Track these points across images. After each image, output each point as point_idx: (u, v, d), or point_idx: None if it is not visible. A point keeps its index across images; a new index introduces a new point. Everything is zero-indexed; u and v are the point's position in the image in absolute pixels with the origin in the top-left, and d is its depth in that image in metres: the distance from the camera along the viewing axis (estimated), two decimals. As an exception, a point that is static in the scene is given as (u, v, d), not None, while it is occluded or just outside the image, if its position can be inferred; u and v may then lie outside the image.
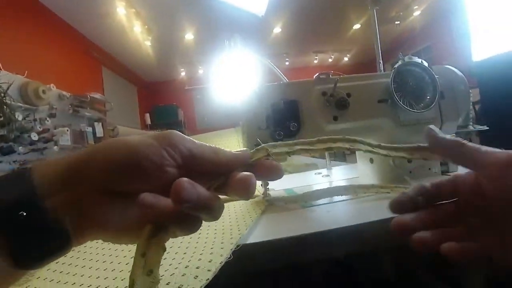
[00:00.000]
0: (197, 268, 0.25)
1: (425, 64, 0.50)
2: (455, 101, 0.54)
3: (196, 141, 0.18)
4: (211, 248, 0.28)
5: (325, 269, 0.59)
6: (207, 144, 0.19)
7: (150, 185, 0.16)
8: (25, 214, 0.14)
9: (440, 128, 0.53)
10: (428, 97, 0.49)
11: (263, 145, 0.23)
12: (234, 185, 0.18)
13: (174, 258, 0.28)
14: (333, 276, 0.60)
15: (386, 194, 0.41)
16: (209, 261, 0.25)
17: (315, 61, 4.93)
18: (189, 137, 0.18)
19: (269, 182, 0.50)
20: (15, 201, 0.14)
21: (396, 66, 0.50)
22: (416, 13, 3.68)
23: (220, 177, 0.19)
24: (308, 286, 0.57)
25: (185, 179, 0.15)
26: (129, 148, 0.16)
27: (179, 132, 0.18)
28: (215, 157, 0.18)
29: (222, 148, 0.19)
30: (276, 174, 0.20)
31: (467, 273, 0.42)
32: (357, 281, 0.62)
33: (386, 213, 0.33)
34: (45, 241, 0.14)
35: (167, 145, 0.17)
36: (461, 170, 0.56)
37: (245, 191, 0.17)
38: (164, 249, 0.17)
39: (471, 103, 0.58)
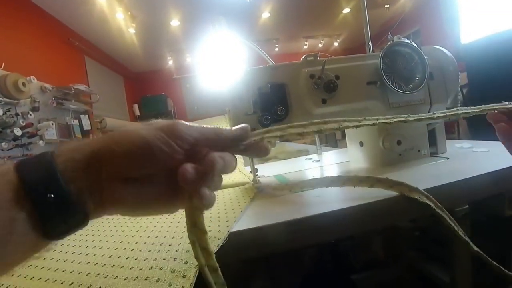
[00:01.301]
0: (187, 252, 0.24)
1: (414, 45, 0.49)
2: (444, 82, 0.53)
3: (198, 126, 0.20)
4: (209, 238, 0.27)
5: (315, 253, 0.60)
6: (209, 127, 0.21)
7: (161, 170, 0.19)
8: (53, 196, 0.16)
9: (429, 110, 0.53)
10: (417, 78, 0.48)
11: (257, 131, 0.24)
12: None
13: (162, 244, 0.27)
14: (323, 260, 0.61)
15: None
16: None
17: (305, 47, 4.86)
18: (192, 124, 0.20)
19: (258, 169, 0.50)
20: (44, 186, 0.16)
21: (385, 46, 0.48)
22: (406, -5, 3.65)
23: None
24: (300, 270, 0.57)
25: (188, 165, 0.18)
26: (143, 140, 0.18)
27: (183, 122, 0.20)
28: (217, 139, 0.21)
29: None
30: (265, 154, 0.23)
31: (455, 251, 0.43)
32: (347, 263, 0.63)
33: (374, 196, 0.33)
34: (69, 217, 0.17)
35: (175, 138, 0.19)
36: (450, 152, 0.57)
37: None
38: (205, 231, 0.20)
39: (459, 85, 0.58)
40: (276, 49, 4.71)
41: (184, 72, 4.87)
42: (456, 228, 0.31)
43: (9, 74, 2.01)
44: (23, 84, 2.07)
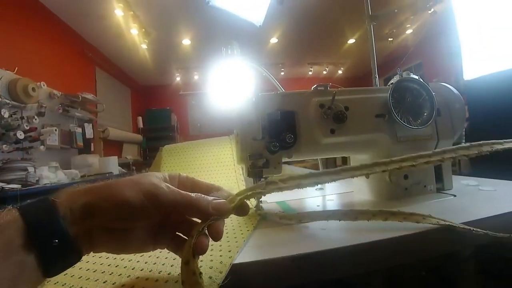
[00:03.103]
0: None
1: (422, 81, 0.50)
2: (450, 119, 0.54)
3: (179, 193, 0.23)
4: (210, 268, 0.26)
5: None
6: (190, 194, 0.23)
7: (141, 225, 0.23)
8: (57, 241, 0.18)
9: (436, 146, 0.53)
10: (425, 114, 0.49)
11: (233, 197, 0.26)
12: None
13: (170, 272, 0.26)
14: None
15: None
16: (210, 278, 0.24)
17: (310, 73, 5.00)
18: (172, 189, 0.23)
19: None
20: (50, 232, 0.18)
21: (394, 81, 0.49)
22: (409, 31, 3.80)
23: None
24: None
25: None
26: (127, 202, 0.21)
27: (164, 187, 0.23)
28: (193, 210, 0.24)
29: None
30: (244, 214, 0.27)
31: None
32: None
33: (385, 233, 0.32)
34: (68, 259, 0.20)
35: (156, 203, 0.22)
36: (456, 188, 0.56)
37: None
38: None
39: (465, 122, 0.59)
40: (282, 73, 4.84)
41: (191, 89, 4.97)
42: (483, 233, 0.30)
43: (20, 78, 2.05)
44: (33, 89, 2.11)
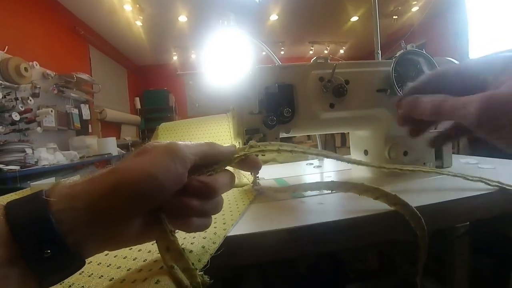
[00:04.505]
0: (190, 251, 0.23)
1: (428, 55, 0.48)
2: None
3: (193, 144, 0.20)
4: (204, 238, 0.26)
5: (311, 261, 0.58)
6: (203, 143, 0.21)
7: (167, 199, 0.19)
8: (49, 251, 0.15)
9: (437, 124, 0.52)
10: (428, 89, 0.47)
11: (241, 147, 0.26)
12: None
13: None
14: (319, 269, 0.59)
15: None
16: (202, 247, 0.24)
17: (311, 52, 4.87)
18: (188, 142, 0.20)
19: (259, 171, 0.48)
20: (40, 242, 0.15)
21: (398, 54, 0.47)
22: (414, 8, 3.66)
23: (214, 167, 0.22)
24: (293, 278, 0.56)
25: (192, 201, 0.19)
26: (152, 177, 0.17)
27: (182, 144, 0.20)
28: (213, 153, 0.22)
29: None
30: (257, 168, 0.25)
31: (452, 268, 0.41)
32: (343, 273, 0.61)
33: (381, 206, 0.32)
34: (66, 268, 0.16)
35: (179, 160, 0.19)
36: (455, 166, 0.56)
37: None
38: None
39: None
40: (282, 52, 4.71)
41: (188, 68, 4.86)
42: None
43: (11, 58, 1.99)
44: (25, 69, 2.05)
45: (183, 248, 0.19)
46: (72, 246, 0.16)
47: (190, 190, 0.20)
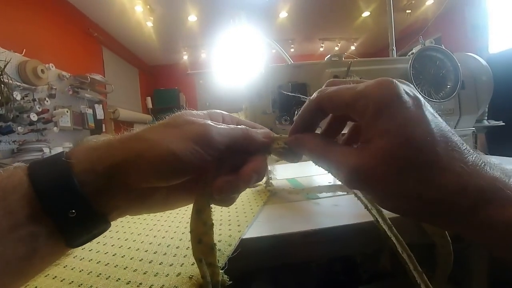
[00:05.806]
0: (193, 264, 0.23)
1: (448, 50, 0.46)
2: (475, 93, 0.50)
3: (227, 129, 0.19)
4: (219, 241, 0.26)
5: (324, 263, 0.57)
6: (238, 127, 0.20)
7: (186, 179, 0.18)
8: (74, 212, 0.15)
9: (457, 122, 0.50)
10: (448, 86, 0.45)
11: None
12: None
13: (178, 247, 0.26)
14: (331, 270, 0.59)
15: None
16: (219, 250, 0.23)
17: (321, 49, 4.79)
18: (222, 127, 0.19)
19: (272, 170, 0.47)
20: (64, 202, 0.15)
21: (415, 50, 0.45)
22: (429, 2, 3.53)
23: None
24: (306, 279, 0.55)
25: (223, 181, 0.18)
26: (173, 155, 0.16)
27: (214, 127, 0.18)
28: (247, 144, 0.20)
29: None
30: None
31: (468, 271, 0.40)
32: (356, 274, 0.60)
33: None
34: (92, 229, 0.17)
35: (207, 147, 0.17)
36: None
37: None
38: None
39: (490, 96, 0.54)
40: (292, 50, 4.67)
41: (198, 68, 4.89)
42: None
43: (29, 60, 2.05)
44: (42, 71, 2.11)
45: (214, 243, 0.19)
46: (95, 208, 0.16)
47: (242, 176, 0.18)
